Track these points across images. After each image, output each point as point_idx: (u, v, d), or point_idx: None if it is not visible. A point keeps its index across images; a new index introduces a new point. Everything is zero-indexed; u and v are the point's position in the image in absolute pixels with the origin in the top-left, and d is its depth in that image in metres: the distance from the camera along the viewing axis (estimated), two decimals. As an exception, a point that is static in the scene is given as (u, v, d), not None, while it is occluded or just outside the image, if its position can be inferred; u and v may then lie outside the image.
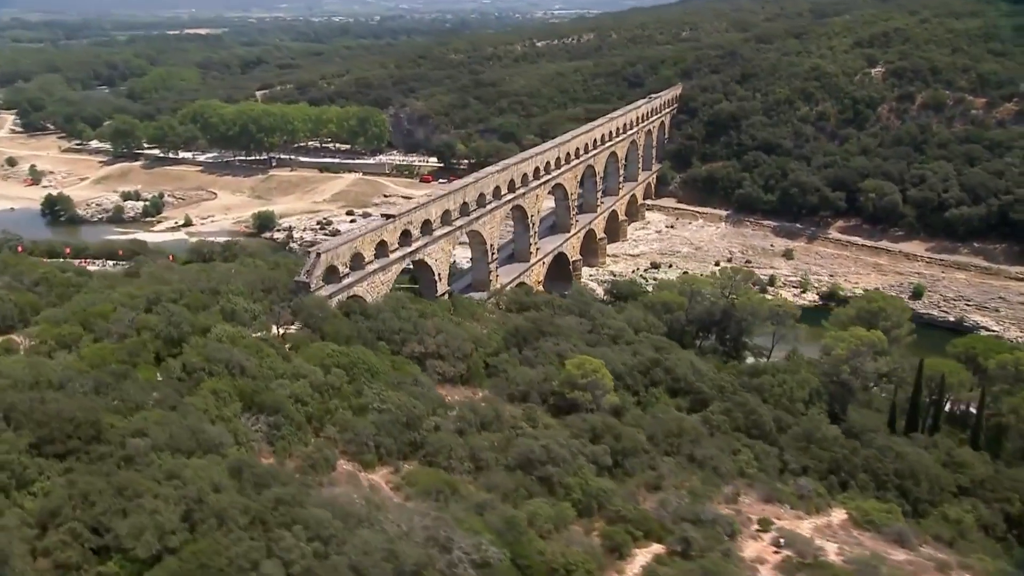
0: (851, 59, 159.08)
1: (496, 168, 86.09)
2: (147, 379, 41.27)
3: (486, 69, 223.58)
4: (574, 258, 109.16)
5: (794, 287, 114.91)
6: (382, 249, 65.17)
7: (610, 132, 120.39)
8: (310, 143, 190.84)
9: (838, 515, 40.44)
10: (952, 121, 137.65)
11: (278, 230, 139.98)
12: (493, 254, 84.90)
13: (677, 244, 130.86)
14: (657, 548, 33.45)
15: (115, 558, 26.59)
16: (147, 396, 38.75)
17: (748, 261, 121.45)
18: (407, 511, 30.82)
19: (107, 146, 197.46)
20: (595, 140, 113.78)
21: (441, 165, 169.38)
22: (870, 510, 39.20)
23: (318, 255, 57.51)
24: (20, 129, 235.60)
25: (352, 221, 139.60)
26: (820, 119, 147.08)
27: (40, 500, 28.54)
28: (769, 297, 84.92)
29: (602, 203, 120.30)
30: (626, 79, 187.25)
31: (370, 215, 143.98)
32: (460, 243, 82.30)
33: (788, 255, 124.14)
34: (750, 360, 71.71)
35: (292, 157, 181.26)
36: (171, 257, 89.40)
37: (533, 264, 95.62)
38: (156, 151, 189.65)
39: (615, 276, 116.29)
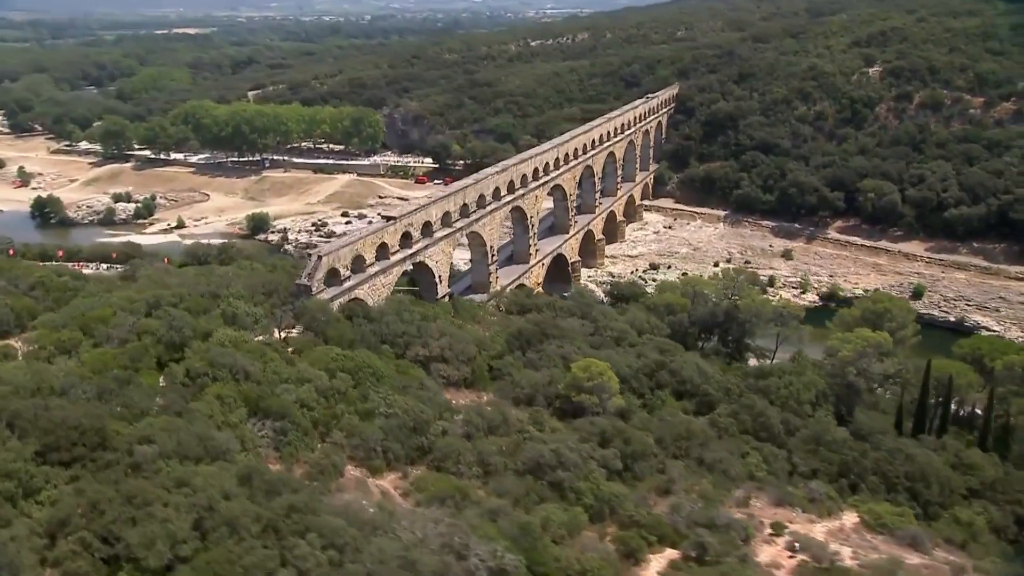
0: (849, 59, 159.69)
1: (496, 169, 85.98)
2: (150, 385, 41.07)
3: (481, 69, 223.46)
4: (573, 259, 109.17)
5: (794, 287, 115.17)
6: (383, 251, 64.97)
7: (608, 132, 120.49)
8: (303, 144, 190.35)
9: (850, 518, 40.46)
10: (950, 121, 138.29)
11: (272, 232, 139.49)
12: (493, 256, 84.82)
13: (675, 245, 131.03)
14: (672, 553, 33.40)
15: (126, 568, 26.37)
16: (151, 402, 38.53)
17: (747, 262, 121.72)
18: (421, 518, 30.64)
19: (97, 147, 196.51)
20: (593, 140, 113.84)
21: (436, 166, 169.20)
22: (882, 513, 39.23)
23: (319, 257, 57.29)
24: (7, 130, 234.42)
25: (348, 223, 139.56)
26: (818, 119, 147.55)
27: (48, 509, 28.29)
28: (772, 298, 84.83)
29: (600, 204, 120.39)
30: (622, 79, 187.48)
31: (365, 216, 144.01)
32: (459, 245, 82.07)
33: (787, 255, 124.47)
34: (753, 362, 71.90)
35: (285, 158, 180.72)
36: (166, 260, 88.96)
37: (533, 266, 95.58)
38: (147, 152, 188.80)
39: (614, 277, 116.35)
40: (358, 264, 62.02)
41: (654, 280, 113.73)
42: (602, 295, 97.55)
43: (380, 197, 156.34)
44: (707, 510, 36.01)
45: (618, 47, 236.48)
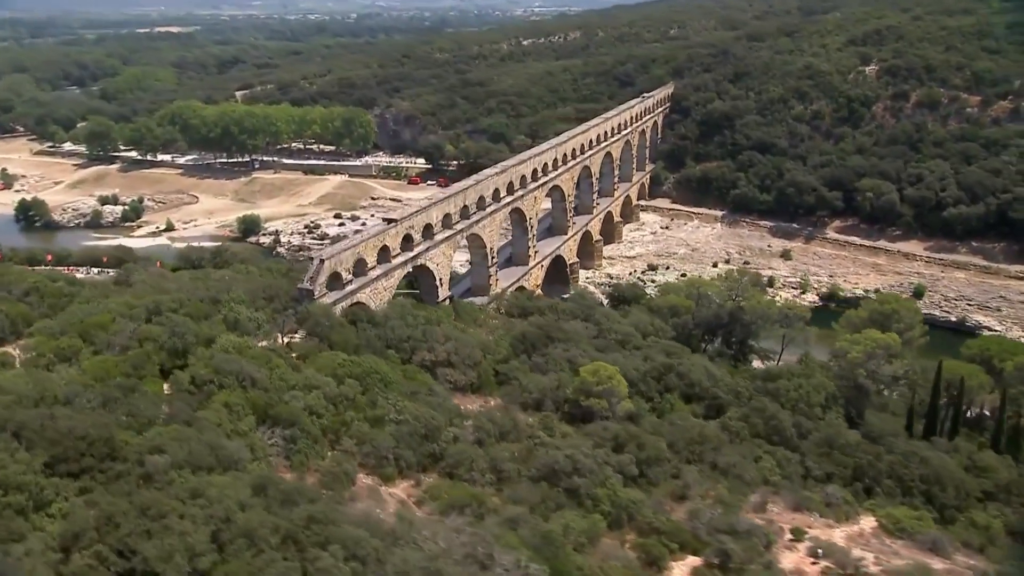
0: (844, 57, 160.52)
1: (495, 170, 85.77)
2: (155, 393, 40.66)
3: (472, 68, 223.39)
4: (571, 261, 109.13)
5: (793, 288, 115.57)
6: (384, 254, 64.67)
7: (605, 132, 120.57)
8: (293, 145, 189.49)
9: (867, 523, 40.51)
10: (947, 119, 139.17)
11: (264, 234, 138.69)
12: (493, 258, 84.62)
13: (673, 245, 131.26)
14: (694, 560, 33.32)
15: (144, 582, 26.05)
16: (157, 410, 38.11)
17: (746, 262, 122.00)
18: (442, 527, 30.42)
19: (81, 149, 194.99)
20: (591, 141, 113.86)
21: (429, 167, 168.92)
22: (901, 517, 39.29)
23: (321, 261, 56.94)
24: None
25: (341, 225, 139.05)
26: (815, 118, 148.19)
27: (61, 522, 27.89)
28: (777, 299, 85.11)
29: (598, 204, 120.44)
30: (616, 78, 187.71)
31: (359, 218, 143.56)
32: (457, 247, 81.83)
33: (786, 255, 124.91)
34: (756, 363, 72.08)
35: (275, 159, 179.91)
36: (159, 264, 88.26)
37: (532, 267, 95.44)
38: (133, 153, 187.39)
39: (612, 279, 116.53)
40: (360, 268, 61.70)
41: (653, 281, 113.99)
42: (601, 297, 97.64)
43: (373, 198, 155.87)
44: (727, 516, 35.95)
45: (610, 46, 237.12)
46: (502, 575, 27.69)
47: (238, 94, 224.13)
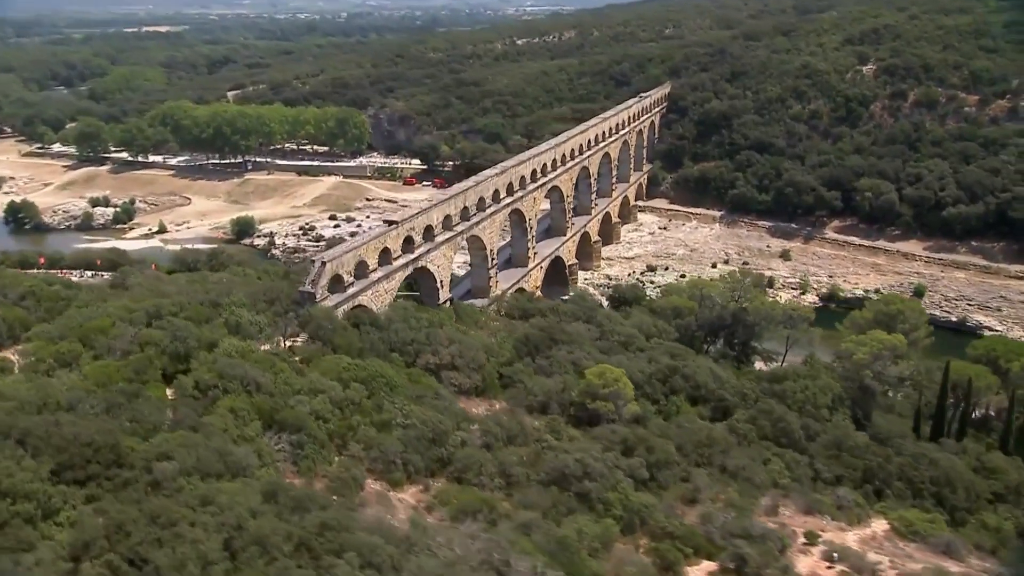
0: (842, 56, 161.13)
1: (495, 171, 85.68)
2: (159, 398, 40.38)
3: (466, 68, 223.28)
4: (570, 262, 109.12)
5: (793, 288, 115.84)
6: (385, 256, 64.51)
7: (604, 132, 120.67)
8: (286, 146, 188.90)
9: (879, 525, 40.52)
10: (945, 119, 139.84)
11: (259, 236, 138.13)
12: (493, 259, 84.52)
13: (671, 246, 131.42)
14: (709, 565, 33.26)
15: (156, 591, 25.82)
16: (162, 416, 37.89)
17: (745, 263, 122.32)
18: (456, 533, 30.28)
19: (71, 150, 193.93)
20: (589, 141, 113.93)
21: (424, 167, 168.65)
22: (913, 520, 39.31)
23: (323, 264, 56.74)
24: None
25: (336, 226, 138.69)
26: (812, 117, 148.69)
27: (72, 531, 27.64)
28: (781, 300, 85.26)
29: (596, 205, 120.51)
30: (612, 78, 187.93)
31: (354, 220, 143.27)
32: (458, 249, 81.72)
33: (785, 256, 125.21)
34: (759, 365, 72.17)
35: (268, 160, 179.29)
36: (154, 266, 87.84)
37: (531, 269, 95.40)
38: (124, 155, 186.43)
39: (611, 280, 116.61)
40: (361, 270, 61.52)
41: (652, 282, 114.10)
42: (601, 298, 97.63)
43: (368, 199, 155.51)
44: (740, 520, 35.90)
45: (605, 45, 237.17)
46: (519, 582, 27.55)
47: (230, 94, 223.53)
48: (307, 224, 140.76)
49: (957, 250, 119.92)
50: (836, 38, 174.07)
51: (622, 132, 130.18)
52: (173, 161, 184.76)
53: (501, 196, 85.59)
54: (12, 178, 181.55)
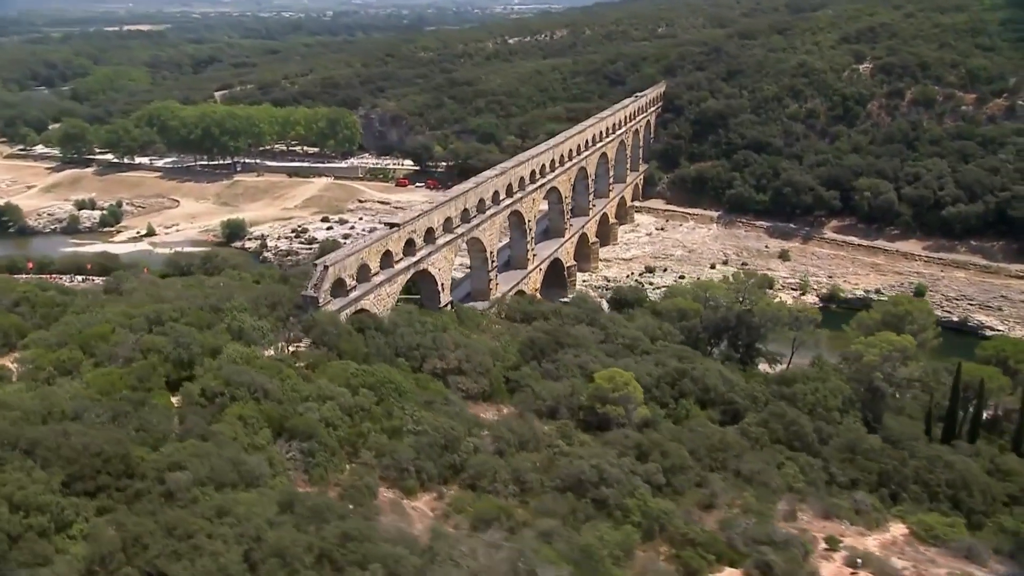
0: (838, 55, 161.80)
1: (495, 172, 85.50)
2: (165, 406, 40.02)
3: (458, 67, 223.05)
4: (569, 264, 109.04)
5: (793, 289, 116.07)
6: (387, 259, 64.21)
7: (601, 132, 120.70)
8: (276, 147, 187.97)
9: (897, 530, 40.62)
10: (943, 117, 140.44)
11: (250, 239, 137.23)
12: (493, 262, 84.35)
13: (669, 247, 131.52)
14: (732, 572, 33.25)
15: (177, 606, 25.56)
16: (170, 425, 37.58)
17: (744, 263, 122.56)
18: (479, 542, 30.09)
19: (55, 151, 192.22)
20: (587, 141, 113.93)
21: (417, 168, 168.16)
22: (933, 524, 39.44)
23: (326, 267, 56.38)
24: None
25: (329, 229, 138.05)
26: (810, 116, 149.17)
27: (85, 544, 27.34)
28: (777, 301, 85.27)
29: (594, 206, 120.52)
30: (607, 77, 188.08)
31: (347, 221, 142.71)
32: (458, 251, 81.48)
33: (784, 256, 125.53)
34: (763, 366, 72.28)
35: (258, 162, 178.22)
36: (146, 270, 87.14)
37: (531, 271, 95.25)
38: (109, 156, 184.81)
39: (609, 281, 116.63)
40: (363, 273, 61.20)
41: (651, 284, 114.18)
42: (601, 300, 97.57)
43: (360, 201, 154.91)
44: (762, 526, 35.87)
45: (598, 44, 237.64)
46: (546, 591, 27.41)
47: (217, 94, 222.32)
48: (299, 226, 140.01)
49: (957, 249, 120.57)
50: (832, 36, 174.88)
51: (619, 132, 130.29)
52: (160, 163, 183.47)
53: (501, 197, 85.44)
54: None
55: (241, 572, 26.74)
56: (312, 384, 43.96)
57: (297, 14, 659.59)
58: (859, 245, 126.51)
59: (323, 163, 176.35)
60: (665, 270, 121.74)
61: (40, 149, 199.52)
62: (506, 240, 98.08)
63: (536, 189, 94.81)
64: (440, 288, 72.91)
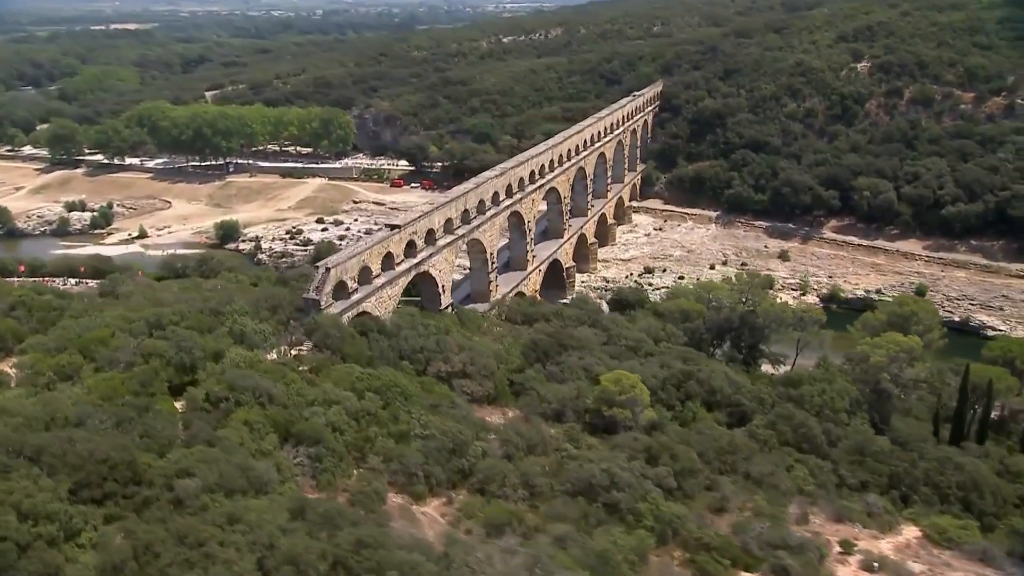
0: (836, 54, 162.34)
1: (495, 172, 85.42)
2: (169, 411, 39.74)
3: (452, 67, 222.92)
4: (568, 265, 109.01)
5: (793, 289, 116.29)
6: (388, 261, 64.02)
7: (599, 132, 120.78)
8: (269, 147, 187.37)
9: (910, 533, 40.66)
10: (941, 116, 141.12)
11: (243, 240, 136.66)
12: (493, 263, 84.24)
13: (668, 247, 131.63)
14: (748, 577, 33.15)
15: (191, 615, 25.37)
16: (175, 430, 37.33)
17: (744, 264, 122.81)
18: (494, 549, 29.96)
19: (43, 152, 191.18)
20: (585, 141, 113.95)
21: (412, 168, 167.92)
22: (947, 527, 39.47)
23: (327, 269, 56.18)
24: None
25: (324, 230, 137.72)
26: (808, 116, 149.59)
27: (94, 553, 27.11)
28: (781, 302, 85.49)
29: (592, 206, 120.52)
30: (603, 76, 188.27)
31: (342, 223, 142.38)
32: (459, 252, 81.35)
33: (784, 256, 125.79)
34: (766, 368, 72.39)
35: (250, 162, 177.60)
36: (140, 273, 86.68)
37: (530, 272, 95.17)
38: (99, 157, 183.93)
39: (608, 282, 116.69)
40: (364, 276, 61.00)
41: (651, 285, 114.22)
42: (600, 301, 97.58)
43: (355, 202, 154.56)
44: (776, 529, 35.84)
45: (593, 43, 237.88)
46: (565, 598, 27.30)
47: (208, 94, 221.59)
48: (294, 228, 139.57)
49: (957, 249, 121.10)
50: (829, 35, 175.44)
51: (616, 132, 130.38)
52: (151, 164, 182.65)
53: (501, 198, 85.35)
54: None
55: (255, 581, 26.52)
56: (317, 388, 43.76)
57: (287, 13, 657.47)
58: (859, 245, 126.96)
59: (317, 164, 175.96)
60: (664, 271, 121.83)
61: (28, 150, 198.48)
62: (504, 241, 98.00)
63: (536, 189, 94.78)
64: (441, 290, 72.77)
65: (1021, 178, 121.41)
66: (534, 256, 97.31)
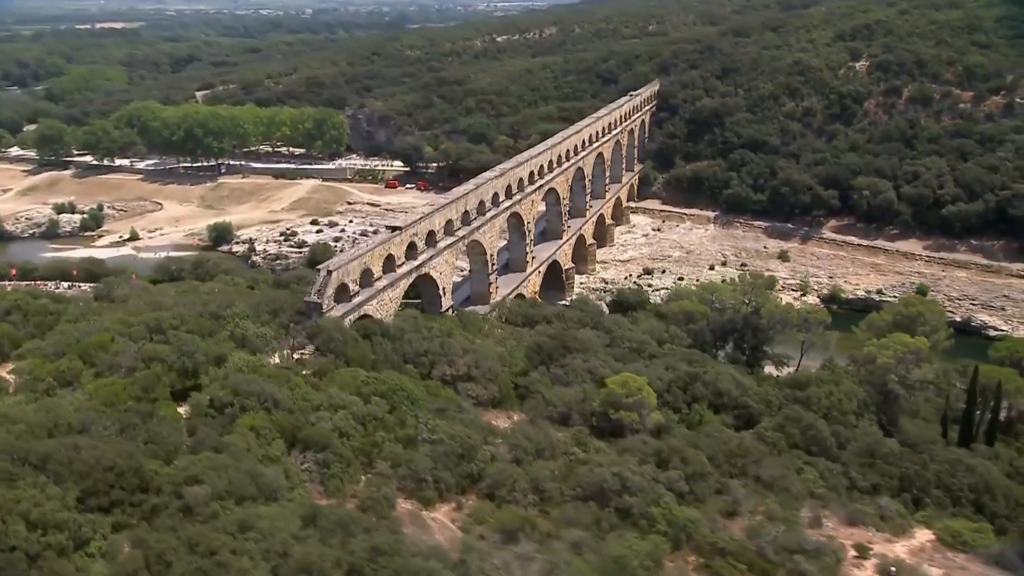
0: (834, 52, 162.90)
1: (494, 173, 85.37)
2: (173, 417, 39.49)
3: (446, 66, 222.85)
4: (567, 266, 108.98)
5: (794, 290, 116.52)
6: (389, 264, 63.88)
7: (597, 132, 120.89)
8: (261, 148, 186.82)
9: (923, 536, 40.67)
10: (940, 115, 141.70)
11: (237, 242, 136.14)
12: (493, 264, 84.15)
13: (667, 248, 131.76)
14: (766, 582, 33.09)
15: (206, 626, 25.19)
16: (180, 437, 37.08)
17: (743, 264, 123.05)
18: (511, 555, 29.86)
19: (31, 153, 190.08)
20: (584, 141, 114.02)
21: (407, 169, 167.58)
22: (961, 530, 39.51)
23: (329, 272, 56.00)
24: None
25: (319, 231, 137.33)
26: (806, 115, 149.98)
27: (109, 563, 26.89)
28: (784, 303, 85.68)
29: (590, 207, 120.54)
30: (599, 75, 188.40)
31: (337, 224, 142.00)
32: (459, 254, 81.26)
33: (784, 257, 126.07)
34: (769, 369, 72.53)
35: (242, 163, 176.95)
36: (134, 276, 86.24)
37: (530, 274, 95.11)
38: (88, 158, 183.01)
39: (607, 284, 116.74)
40: (366, 278, 60.83)
41: (650, 286, 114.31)
42: (600, 302, 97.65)
43: (349, 203, 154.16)
44: (791, 534, 35.82)
45: (588, 42, 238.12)
46: (584, 605, 27.21)
47: (198, 94, 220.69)
48: (288, 229, 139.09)
49: (957, 249, 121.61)
50: (827, 34, 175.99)
51: (614, 132, 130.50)
52: (141, 165, 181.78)
53: (500, 199, 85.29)
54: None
55: (269, 589, 26.37)
56: (322, 393, 43.60)
57: (275, 11, 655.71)
58: (859, 245, 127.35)
59: (310, 164, 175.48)
60: (664, 272, 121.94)
61: (15, 151, 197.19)
62: (503, 243, 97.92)
63: (535, 190, 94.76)
64: (441, 292, 72.67)
65: (1021, 177, 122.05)
66: (533, 257, 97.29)
